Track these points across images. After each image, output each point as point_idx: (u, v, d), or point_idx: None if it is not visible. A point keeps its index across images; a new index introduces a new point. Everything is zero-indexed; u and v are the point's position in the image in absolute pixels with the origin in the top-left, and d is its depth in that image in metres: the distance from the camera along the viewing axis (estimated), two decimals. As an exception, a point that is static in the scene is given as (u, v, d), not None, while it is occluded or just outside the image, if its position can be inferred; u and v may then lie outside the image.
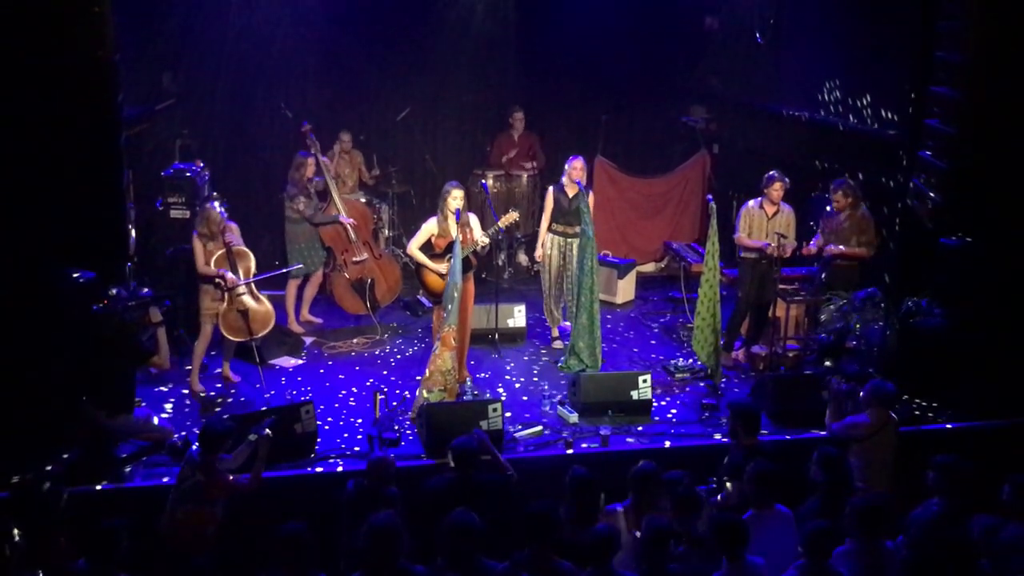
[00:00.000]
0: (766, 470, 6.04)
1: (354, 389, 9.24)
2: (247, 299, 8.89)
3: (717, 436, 8.27)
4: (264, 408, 8.20)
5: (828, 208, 9.64)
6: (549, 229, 10.11)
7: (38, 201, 7.32)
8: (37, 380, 7.25)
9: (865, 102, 10.72)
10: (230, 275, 8.74)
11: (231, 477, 6.43)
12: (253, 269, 9.00)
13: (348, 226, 10.49)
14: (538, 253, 10.23)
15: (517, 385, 9.40)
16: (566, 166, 10.03)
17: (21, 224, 7.30)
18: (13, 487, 6.36)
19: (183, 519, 6.29)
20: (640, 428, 8.50)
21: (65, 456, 7.26)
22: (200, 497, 6.29)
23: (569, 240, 9.96)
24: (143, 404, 8.39)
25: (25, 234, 7.30)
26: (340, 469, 7.73)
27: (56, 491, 5.98)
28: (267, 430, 6.79)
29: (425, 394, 8.42)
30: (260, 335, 9.03)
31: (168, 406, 8.77)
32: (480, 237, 9.04)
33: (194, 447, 6.50)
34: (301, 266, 10.39)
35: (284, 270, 9.97)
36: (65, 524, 5.83)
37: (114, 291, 7.73)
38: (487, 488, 6.51)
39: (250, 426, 6.98)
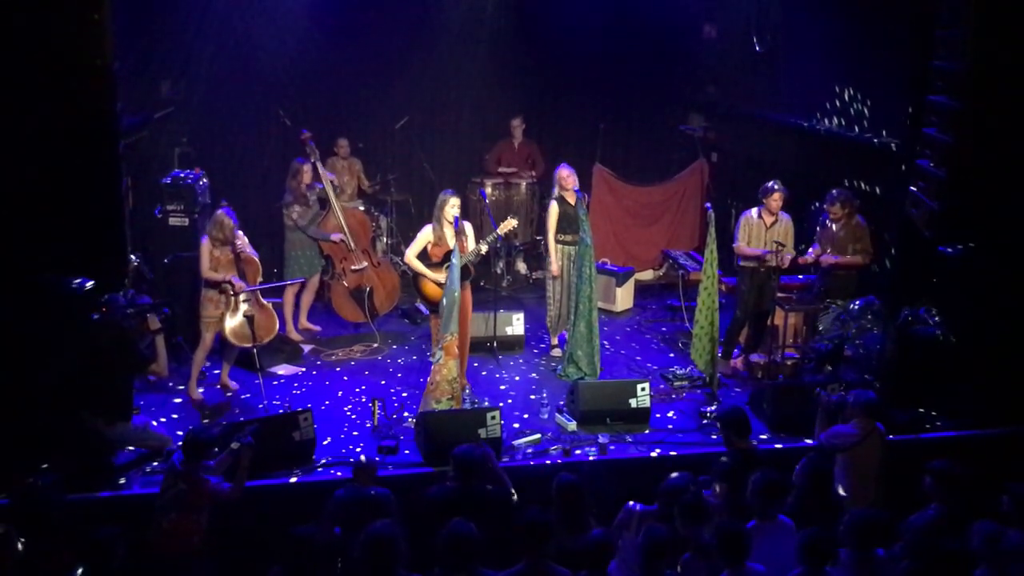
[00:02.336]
0: (771, 481, 6.03)
1: (339, 392, 9.25)
2: (252, 306, 8.89)
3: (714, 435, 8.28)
4: (248, 419, 8.17)
5: (823, 217, 9.65)
6: (557, 241, 10.06)
7: (37, 209, 7.33)
8: (35, 388, 7.25)
9: (863, 111, 10.74)
10: (238, 281, 8.74)
11: (214, 485, 6.42)
12: (260, 276, 9.00)
13: (340, 240, 10.49)
14: (555, 268, 10.03)
15: (515, 393, 9.41)
16: (555, 176, 10.03)
17: (20, 231, 7.31)
18: (13, 494, 6.35)
19: (169, 528, 6.26)
20: (646, 432, 8.54)
21: (63, 464, 7.26)
22: (184, 505, 6.27)
23: (575, 248, 9.93)
24: (140, 412, 8.41)
25: (24, 242, 7.31)
26: (338, 474, 7.74)
27: (56, 499, 5.97)
28: (250, 438, 6.77)
29: (433, 404, 8.42)
30: (264, 342, 9.04)
31: (171, 415, 8.77)
32: (477, 246, 9.04)
33: (176, 455, 6.49)
34: (303, 279, 10.42)
35: (285, 283, 9.85)
36: (64, 532, 5.82)
37: (112, 298, 7.73)
38: (489, 498, 6.51)
39: (236, 434, 6.98)
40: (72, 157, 7.42)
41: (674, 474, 6.24)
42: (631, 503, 6.19)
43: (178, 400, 9.02)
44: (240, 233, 8.95)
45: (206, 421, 8.49)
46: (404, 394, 9.25)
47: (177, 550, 6.25)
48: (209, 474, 6.45)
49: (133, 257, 9.19)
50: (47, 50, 7.22)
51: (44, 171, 7.33)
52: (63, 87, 7.32)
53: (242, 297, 8.81)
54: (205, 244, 8.83)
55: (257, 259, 9.06)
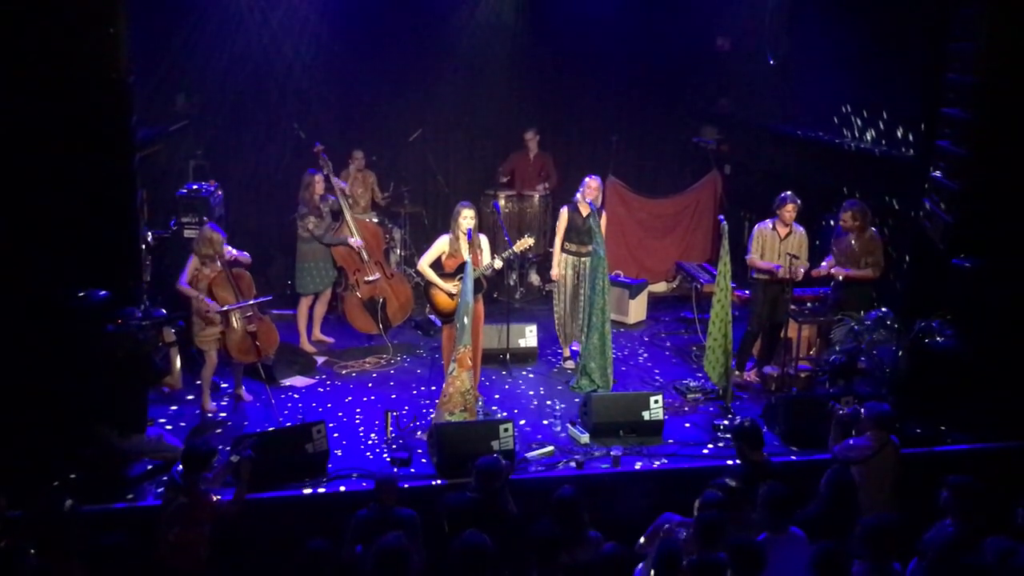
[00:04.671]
0: (779, 494, 6.02)
1: (350, 402, 9.28)
2: (253, 320, 8.90)
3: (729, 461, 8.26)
4: (252, 431, 8.18)
5: (838, 229, 9.64)
6: (562, 249, 10.12)
7: (52, 221, 7.38)
8: (50, 399, 7.28)
9: (877, 123, 10.73)
10: (211, 301, 8.76)
11: (214, 498, 6.42)
12: (254, 289, 9.03)
13: (359, 247, 10.51)
14: (555, 272, 10.22)
15: (528, 405, 9.42)
16: (582, 183, 10.06)
17: (35, 244, 7.35)
18: (31, 507, 6.37)
19: (175, 542, 6.26)
20: (670, 443, 8.56)
21: (78, 476, 7.28)
22: (187, 519, 6.26)
23: (582, 259, 9.97)
24: (155, 424, 8.44)
25: (39, 254, 7.35)
26: (354, 477, 7.78)
27: (74, 511, 5.98)
28: (249, 451, 6.79)
29: (447, 416, 8.42)
30: (269, 354, 9.05)
31: (186, 427, 8.77)
32: (493, 261, 9.06)
33: (175, 468, 6.50)
34: (271, 298, 10.32)
35: (259, 300, 9.64)
36: (79, 545, 5.83)
37: (127, 310, 7.76)
38: (506, 510, 6.53)
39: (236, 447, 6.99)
40: (87, 170, 7.46)
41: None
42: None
43: (191, 414, 9.02)
44: (228, 247, 8.98)
45: (195, 435, 8.50)
46: (414, 406, 9.26)
47: (187, 564, 6.26)
48: (208, 486, 6.46)
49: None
50: (63, 63, 7.27)
51: (59, 184, 7.38)
52: (79, 100, 7.36)
53: (237, 312, 8.83)
54: (192, 261, 8.84)
55: (248, 273, 9.07)
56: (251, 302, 8.92)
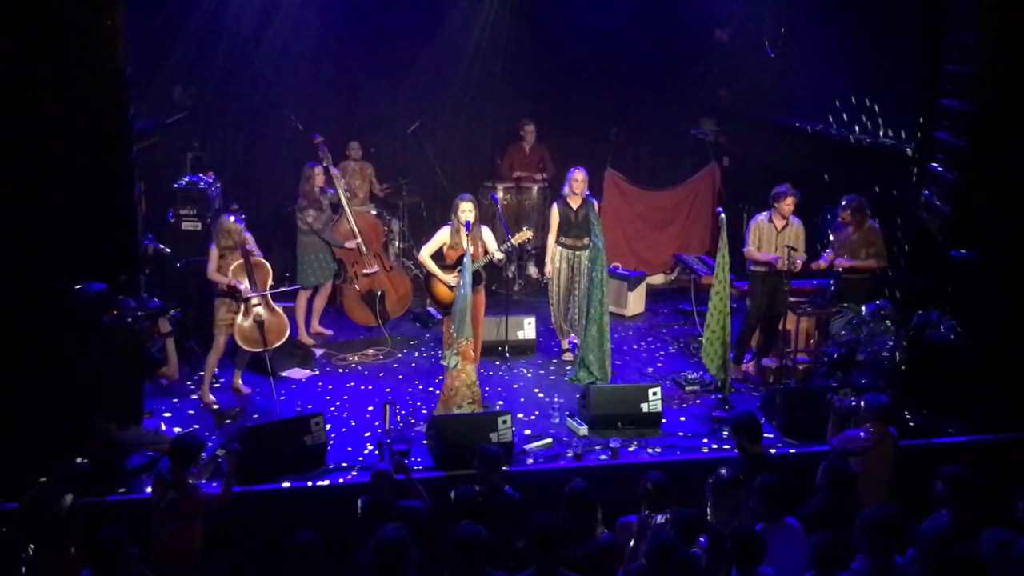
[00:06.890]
0: (772, 484, 6.02)
1: (351, 398, 9.25)
2: (263, 310, 8.90)
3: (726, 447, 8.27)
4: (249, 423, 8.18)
5: (836, 222, 9.63)
6: (557, 243, 10.11)
7: (50, 213, 7.36)
8: (47, 391, 7.27)
9: (875, 115, 10.71)
10: (243, 285, 8.75)
11: (203, 492, 6.41)
12: (270, 280, 9.03)
13: (357, 245, 10.51)
14: (548, 268, 10.21)
15: (533, 395, 9.42)
16: (567, 177, 10.04)
17: (33, 237, 7.34)
18: (27, 499, 6.37)
19: (169, 540, 6.27)
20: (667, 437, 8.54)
21: (75, 467, 7.28)
22: (179, 514, 6.28)
23: (577, 253, 9.96)
24: (152, 415, 8.43)
25: (37, 247, 7.34)
26: (354, 474, 7.77)
27: (72, 503, 5.98)
28: (236, 445, 6.78)
29: (456, 409, 8.42)
30: (275, 346, 9.06)
31: (183, 418, 8.77)
32: (495, 252, 9.06)
33: (163, 463, 6.49)
34: (304, 286, 10.43)
35: (292, 288, 9.76)
36: (76, 536, 5.83)
37: (123, 302, 7.75)
38: (509, 501, 6.54)
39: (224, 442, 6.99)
40: (85, 162, 7.45)
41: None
42: (622, 518, 6.19)
43: (190, 403, 9.04)
44: (248, 236, 8.97)
45: (227, 422, 8.53)
46: (413, 398, 9.27)
47: (182, 558, 6.26)
48: (193, 480, 6.45)
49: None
50: (60, 55, 7.25)
51: (57, 176, 7.37)
52: (76, 92, 7.35)
53: (253, 300, 8.82)
54: (213, 250, 8.87)
55: (267, 263, 9.07)
56: (264, 292, 8.89)
